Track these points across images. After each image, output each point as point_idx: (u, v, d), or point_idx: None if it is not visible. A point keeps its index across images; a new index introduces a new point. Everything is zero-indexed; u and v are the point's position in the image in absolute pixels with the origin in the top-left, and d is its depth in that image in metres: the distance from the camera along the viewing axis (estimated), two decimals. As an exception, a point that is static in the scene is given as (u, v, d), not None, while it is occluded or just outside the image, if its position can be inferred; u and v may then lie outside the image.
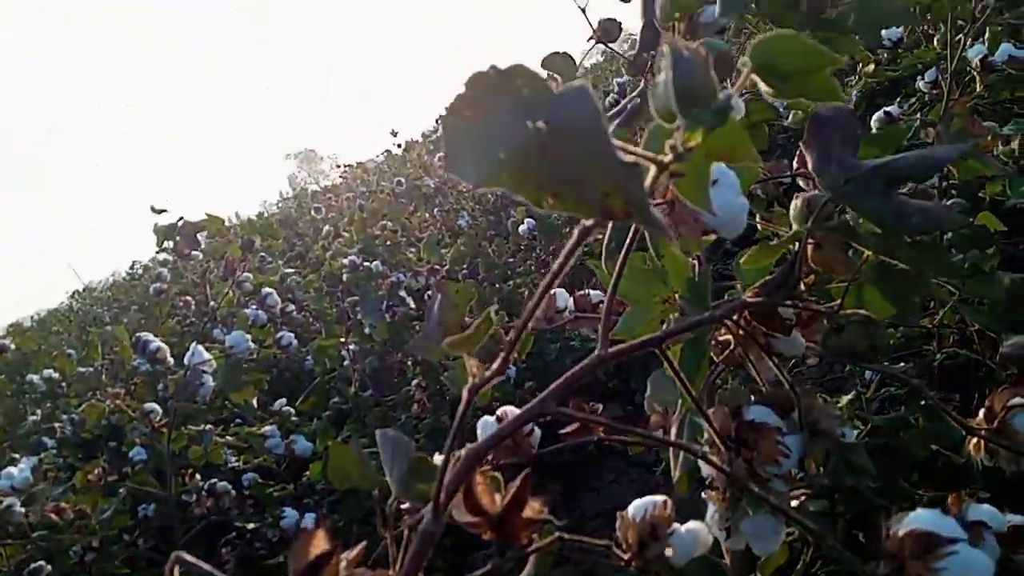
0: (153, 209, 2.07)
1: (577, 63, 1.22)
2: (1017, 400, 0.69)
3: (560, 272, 0.41)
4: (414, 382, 2.29)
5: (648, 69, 0.98)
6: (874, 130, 1.64)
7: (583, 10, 1.21)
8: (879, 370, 1.07)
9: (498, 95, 0.30)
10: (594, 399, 0.83)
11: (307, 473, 2.04)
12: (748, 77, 0.34)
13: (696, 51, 0.30)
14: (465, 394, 0.42)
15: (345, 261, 2.80)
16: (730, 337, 0.63)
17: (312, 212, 4.91)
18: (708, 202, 0.34)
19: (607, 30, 1.17)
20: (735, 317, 0.59)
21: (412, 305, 2.69)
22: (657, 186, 0.34)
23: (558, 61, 1.18)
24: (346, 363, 2.35)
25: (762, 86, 0.35)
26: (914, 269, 0.55)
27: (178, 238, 2.04)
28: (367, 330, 2.36)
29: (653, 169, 0.32)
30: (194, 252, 2.06)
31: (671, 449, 0.68)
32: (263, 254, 3.28)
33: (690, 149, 0.30)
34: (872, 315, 0.58)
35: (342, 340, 2.27)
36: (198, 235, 2.27)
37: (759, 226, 0.88)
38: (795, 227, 0.61)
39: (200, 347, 1.81)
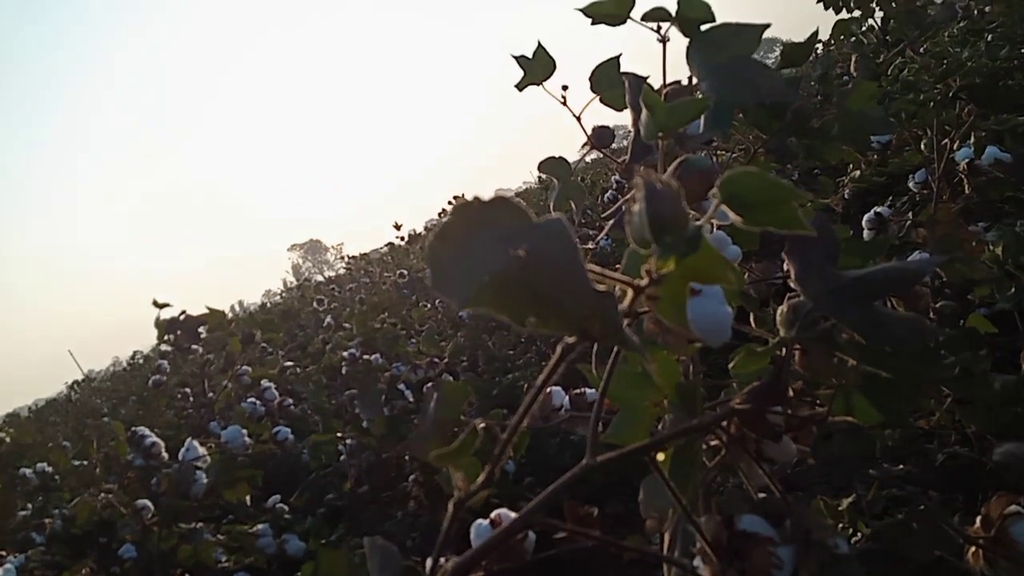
0: (155, 303, 2.10)
1: (572, 165, 1.27)
2: (1014, 508, 0.69)
3: (553, 373, 0.42)
4: (411, 477, 2.26)
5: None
6: (865, 230, 1.68)
7: (578, 118, 1.26)
8: (876, 475, 1.07)
9: (481, 224, 0.31)
10: (593, 493, 0.82)
11: (298, 574, 1.99)
12: (718, 207, 0.36)
13: (667, 183, 0.32)
14: (451, 508, 0.42)
15: (345, 354, 2.80)
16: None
17: (315, 303, 4.95)
18: (685, 321, 0.35)
19: (600, 137, 1.21)
20: (724, 423, 0.59)
21: (411, 398, 2.68)
22: (637, 304, 0.36)
23: (553, 164, 1.23)
24: (342, 458, 2.32)
25: (732, 215, 0.37)
26: (899, 377, 0.56)
27: (179, 331, 2.06)
28: (364, 424, 2.34)
29: (630, 292, 0.33)
30: (194, 345, 2.08)
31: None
32: (264, 345, 3.29)
33: (664, 275, 0.32)
34: (860, 422, 0.59)
35: (339, 435, 2.25)
36: (199, 328, 2.29)
37: (753, 325, 0.90)
38: (782, 333, 0.62)
39: (195, 442, 1.79)
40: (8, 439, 3.39)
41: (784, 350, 0.61)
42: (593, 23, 0.95)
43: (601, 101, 1.12)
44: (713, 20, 0.90)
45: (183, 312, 3.15)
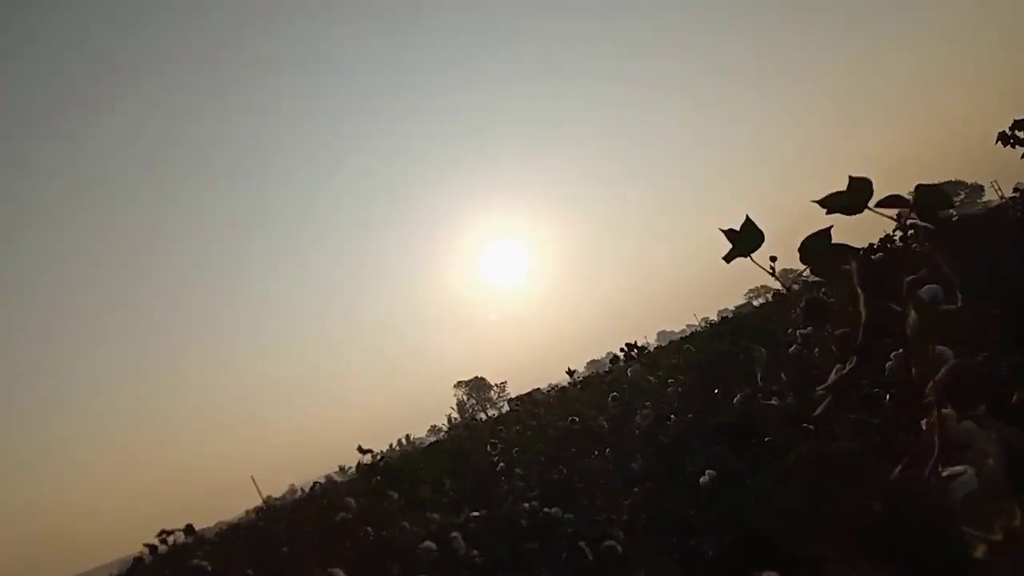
0: (360, 449, 2.23)
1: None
2: None
3: None
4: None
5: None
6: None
7: (787, 288, 1.25)
8: None
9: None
10: None
11: None
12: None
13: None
14: None
15: (525, 505, 2.81)
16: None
17: (488, 447, 5.04)
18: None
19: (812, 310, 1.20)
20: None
21: (589, 556, 2.61)
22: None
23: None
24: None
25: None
26: None
27: (378, 475, 2.16)
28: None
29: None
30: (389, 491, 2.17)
31: None
32: (452, 493, 3.36)
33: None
34: None
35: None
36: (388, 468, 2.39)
37: None
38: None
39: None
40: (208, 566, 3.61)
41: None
42: (828, 213, 0.97)
43: (812, 272, 1.12)
44: (951, 206, 0.90)
45: (367, 451, 3.31)
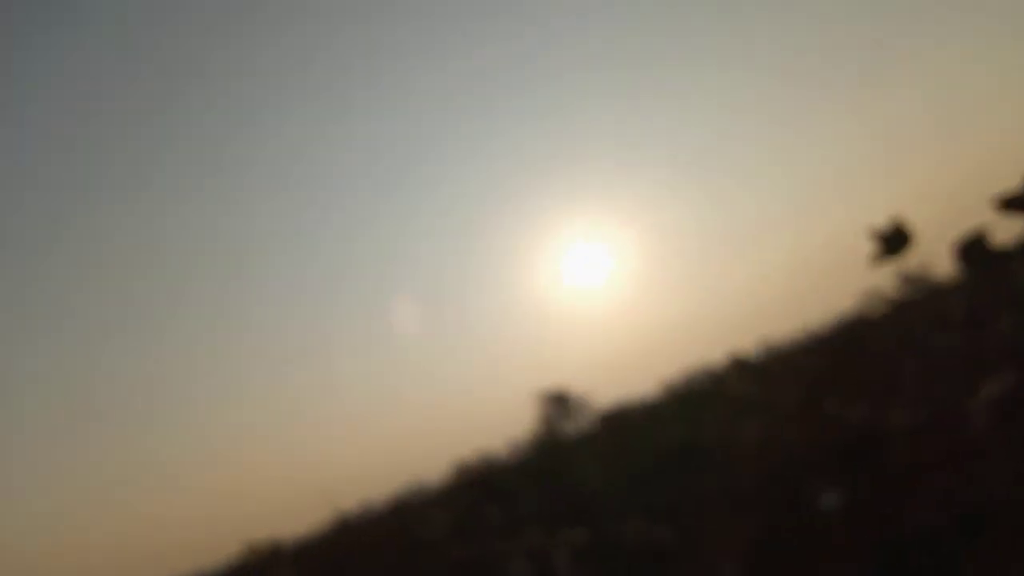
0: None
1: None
2: None
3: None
4: None
5: None
6: None
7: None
8: None
9: None
10: None
11: None
12: None
13: None
14: None
15: (631, 527, 2.59)
16: None
17: (585, 465, 4.83)
18: None
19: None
20: None
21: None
22: None
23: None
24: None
25: None
26: None
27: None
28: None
29: None
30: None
31: None
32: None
33: None
34: None
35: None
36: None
37: None
38: None
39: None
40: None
41: None
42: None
43: (966, 278, 0.90)
44: None
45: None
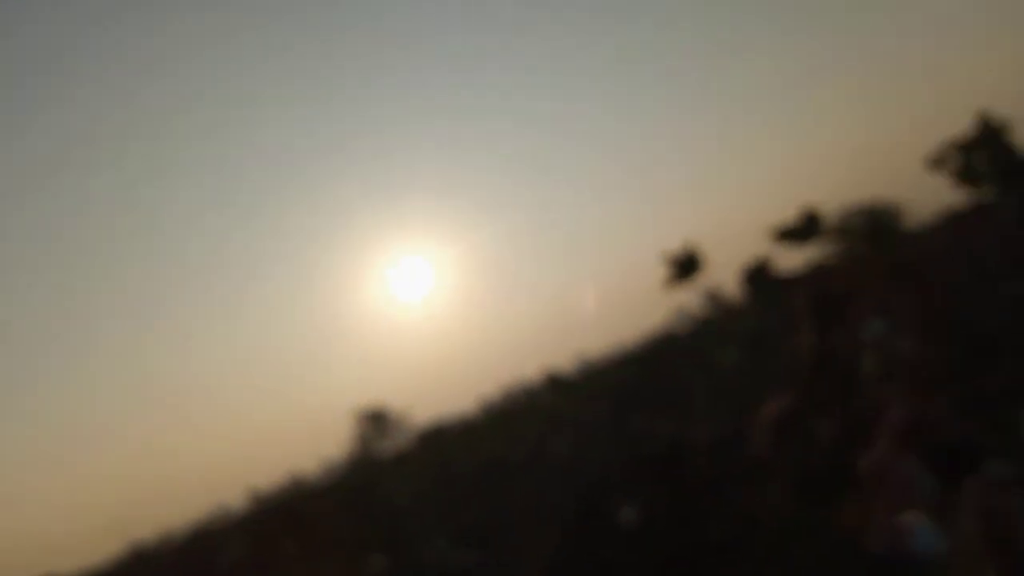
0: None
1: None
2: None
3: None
4: None
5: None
6: None
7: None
8: None
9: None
10: None
11: None
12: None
13: None
14: None
15: (435, 551, 2.49)
16: None
17: (395, 485, 4.66)
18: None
19: None
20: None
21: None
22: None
23: None
24: None
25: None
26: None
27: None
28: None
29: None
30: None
31: None
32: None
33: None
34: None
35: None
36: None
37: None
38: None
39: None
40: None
41: None
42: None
43: (753, 302, 0.90)
44: (896, 234, 0.68)
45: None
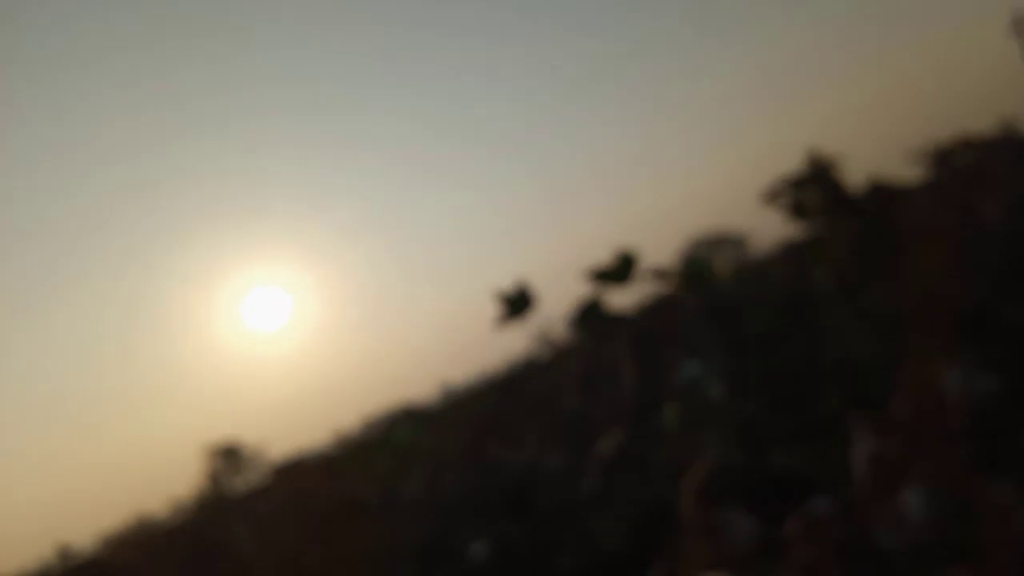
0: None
1: None
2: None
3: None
4: None
5: None
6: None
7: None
8: None
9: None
10: None
11: None
12: None
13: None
14: None
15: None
16: None
17: (241, 527, 4.48)
18: None
19: None
20: None
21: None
22: None
23: None
24: None
25: None
26: None
27: None
28: None
29: None
30: None
31: None
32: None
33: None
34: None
35: None
36: None
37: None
38: None
39: None
40: None
41: None
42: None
43: (581, 341, 1.00)
44: (712, 277, 0.80)
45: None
